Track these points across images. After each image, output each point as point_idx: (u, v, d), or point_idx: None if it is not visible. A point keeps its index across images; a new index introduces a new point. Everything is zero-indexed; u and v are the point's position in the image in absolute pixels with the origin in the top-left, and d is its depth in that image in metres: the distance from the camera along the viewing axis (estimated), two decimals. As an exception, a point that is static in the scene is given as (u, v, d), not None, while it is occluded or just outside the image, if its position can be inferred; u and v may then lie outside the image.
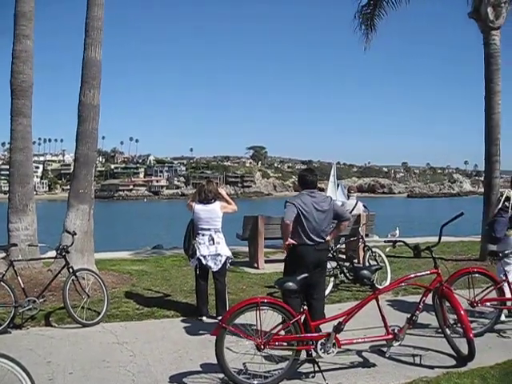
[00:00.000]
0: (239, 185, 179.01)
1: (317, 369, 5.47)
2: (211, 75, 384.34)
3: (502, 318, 7.34)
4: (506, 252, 7.46)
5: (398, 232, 15.15)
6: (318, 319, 5.98)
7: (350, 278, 9.36)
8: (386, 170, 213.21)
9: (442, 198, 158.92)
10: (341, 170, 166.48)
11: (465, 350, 5.87)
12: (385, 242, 8.49)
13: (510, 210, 7.62)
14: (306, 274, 5.77)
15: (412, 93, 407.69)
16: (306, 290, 6.18)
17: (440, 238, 6.49)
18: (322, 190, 13.84)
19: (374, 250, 10.19)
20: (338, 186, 18.17)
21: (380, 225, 17.03)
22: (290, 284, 5.55)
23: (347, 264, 10.24)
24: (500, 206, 7.74)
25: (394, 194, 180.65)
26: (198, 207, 8.02)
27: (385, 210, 64.01)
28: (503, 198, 7.78)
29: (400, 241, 7.04)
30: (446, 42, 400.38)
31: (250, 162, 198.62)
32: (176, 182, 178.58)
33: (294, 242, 6.56)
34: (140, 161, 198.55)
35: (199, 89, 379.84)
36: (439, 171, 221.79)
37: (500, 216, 7.64)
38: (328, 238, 6.77)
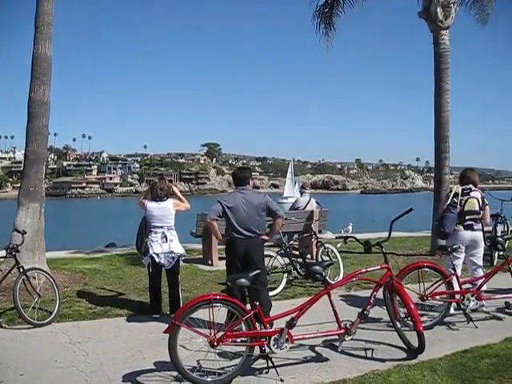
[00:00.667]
0: (194, 182, 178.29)
1: (270, 364, 5.50)
2: (164, 72, 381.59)
3: (451, 310, 7.51)
4: (455, 246, 7.62)
5: (350, 228, 15.38)
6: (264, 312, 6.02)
7: (303, 273, 9.45)
8: (339, 166, 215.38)
9: (395, 194, 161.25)
10: (295, 167, 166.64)
11: (415, 342, 5.99)
12: (336, 237, 8.59)
13: (458, 206, 7.80)
14: (258, 271, 5.85)
15: (365, 91, 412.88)
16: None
17: (390, 234, 6.61)
18: (276, 186, 13.91)
19: (326, 245, 10.26)
20: (295, 182, 18.32)
21: (334, 221, 17.23)
22: (243, 280, 5.57)
23: (300, 260, 10.33)
24: (449, 201, 7.90)
25: (348, 190, 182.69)
26: (151, 205, 7.98)
27: (338, 206, 64.61)
28: (452, 193, 7.95)
29: (351, 236, 7.13)
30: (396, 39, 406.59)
31: (205, 159, 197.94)
32: (130, 180, 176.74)
33: (221, 239, 7.32)
34: (93, 158, 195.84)
35: (152, 85, 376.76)
36: (392, 168, 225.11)
37: (449, 212, 7.81)
38: (266, 237, 7.19)
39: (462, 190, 7.93)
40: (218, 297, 5.51)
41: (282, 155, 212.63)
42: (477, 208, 7.86)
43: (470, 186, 8.00)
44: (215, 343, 5.31)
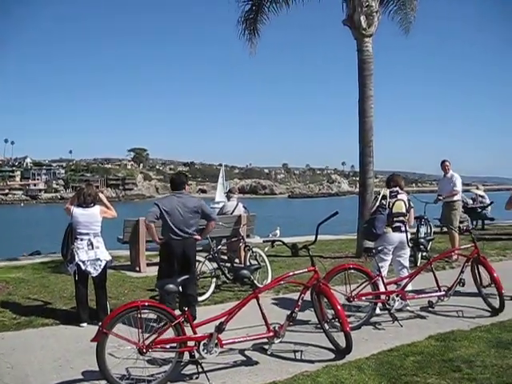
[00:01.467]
0: (120, 187, 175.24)
1: (200, 370, 5.49)
2: (88, 75, 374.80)
3: (377, 311, 7.69)
4: (380, 248, 7.82)
5: (278, 232, 15.47)
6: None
7: (231, 278, 9.47)
8: (267, 171, 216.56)
9: (322, 198, 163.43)
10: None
11: (343, 343, 6.09)
12: (263, 241, 8.71)
13: (387, 208, 8.01)
14: (186, 276, 5.85)
15: (292, 97, 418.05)
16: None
17: (316, 237, 6.75)
18: (204, 191, 13.89)
19: (254, 249, 10.29)
20: (226, 187, 18.32)
21: (262, 225, 17.34)
22: (171, 286, 5.59)
23: (228, 265, 10.35)
24: (378, 203, 8.09)
25: (276, 194, 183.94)
26: (77, 211, 7.83)
27: (267, 210, 65.25)
28: (380, 196, 8.15)
29: (278, 240, 7.26)
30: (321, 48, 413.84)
31: (132, 165, 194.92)
32: (55, 186, 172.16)
33: (158, 241, 7.69)
34: (16, 163, 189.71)
35: (77, 89, 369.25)
36: (318, 172, 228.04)
37: (379, 213, 8.00)
38: (198, 237, 7.75)
39: (390, 192, 8.16)
40: (146, 303, 5.48)
41: (209, 160, 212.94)
42: (404, 210, 8.12)
43: (397, 188, 8.23)
44: (144, 350, 5.26)
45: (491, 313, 7.91)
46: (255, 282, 9.32)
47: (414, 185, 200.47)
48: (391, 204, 8.04)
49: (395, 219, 8.03)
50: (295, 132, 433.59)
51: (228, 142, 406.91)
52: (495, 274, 7.93)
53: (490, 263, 8.48)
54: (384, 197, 8.08)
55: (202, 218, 7.75)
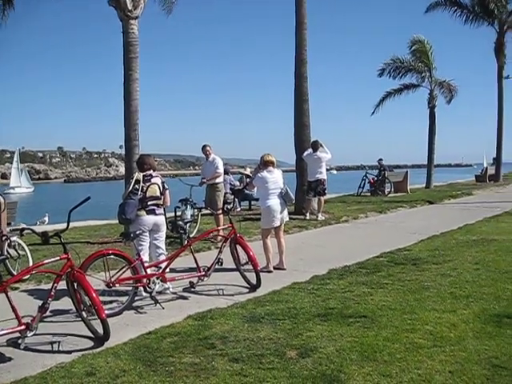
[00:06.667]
0: None
1: None
2: None
3: (143, 294, 7.75)
4: (138, 232, 7.81)
5: (47, 218, 14.92)
6: None
7: None
8: (41, 154, 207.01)
9: (100, 182, 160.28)
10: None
11: (102, 330, 6.03)
12: (11, 230, 8.29)
13: (140, 192, 8.00)
14: None
15: (62, 77, 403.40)
16: None
17: (68, 224, 6.58)
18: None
19: (13, 239, 9.76)
20: (21, 171, 17.20)
21: (36, 212, 16.56)
22: None
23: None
24: (130, 188, 8.02)
25: (51, 179, 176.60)
26: None
27: (42, 196, 62.90)
28: (133, 180, 8.08)
29: (28, 228, 7.02)
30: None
31: None
32: None
33: None
34: None
35: None
36: (96, 156, 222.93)
37: (130, 198, 7.93)
38: None
39: (144, 176, 8.14)
40: None
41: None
42: (158, 194, 8.17)
43: (151, 172, 8.26)
44: None
45: (249, 289, 8.36)
46: (14, 272, 8.97)
47: (191, 167, 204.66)
48: (145, 188, 8.04)
49: (149, 203, 8.06)
50: (70, 114, 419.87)
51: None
52: (251, 253, 8.41)
53: (247, 242, 9.00)
54: (137, 181, 8.04)
55: None
